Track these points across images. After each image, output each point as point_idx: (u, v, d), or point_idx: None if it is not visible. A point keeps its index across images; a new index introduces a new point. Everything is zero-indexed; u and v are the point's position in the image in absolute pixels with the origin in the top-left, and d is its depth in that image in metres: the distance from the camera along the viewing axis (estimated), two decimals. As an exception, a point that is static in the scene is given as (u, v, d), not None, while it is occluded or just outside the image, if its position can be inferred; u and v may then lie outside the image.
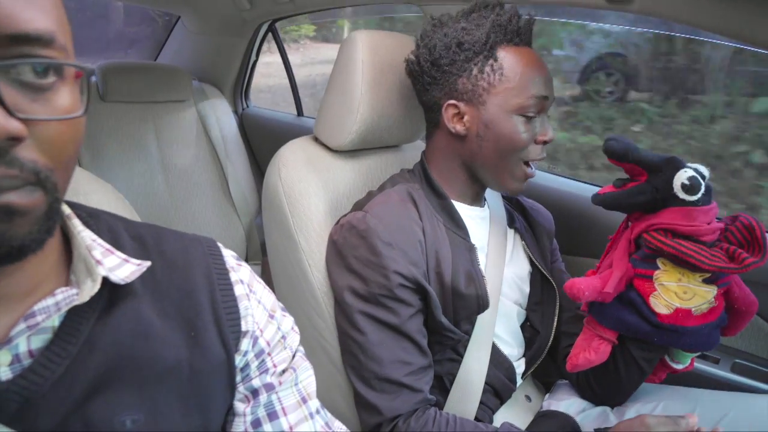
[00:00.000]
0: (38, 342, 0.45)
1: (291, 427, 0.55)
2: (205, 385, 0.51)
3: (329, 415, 0.61)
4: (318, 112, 1.11)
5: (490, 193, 1.03)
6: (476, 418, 0.92)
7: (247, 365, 0.56)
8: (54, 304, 0.46)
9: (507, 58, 0.88)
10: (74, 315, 0.46)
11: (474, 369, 0.92)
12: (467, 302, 0.89)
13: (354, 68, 1.02)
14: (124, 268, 0.49)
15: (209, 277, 0.54)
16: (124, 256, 0.51)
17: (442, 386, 0.93)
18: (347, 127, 1.03)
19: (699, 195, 0.79)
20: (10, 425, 0.43)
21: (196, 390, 0.51)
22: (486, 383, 0.93)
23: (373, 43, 1.03)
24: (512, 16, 0.89)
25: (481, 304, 0.90)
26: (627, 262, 0.86)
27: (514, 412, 1.00)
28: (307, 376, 0.59)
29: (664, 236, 0.81)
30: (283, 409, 0.56)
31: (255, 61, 2.32)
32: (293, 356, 0.59)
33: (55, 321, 0.46)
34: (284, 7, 1.94)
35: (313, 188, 1.01)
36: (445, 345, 0.91)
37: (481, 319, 0.91)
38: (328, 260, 0.94)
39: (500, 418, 0.97)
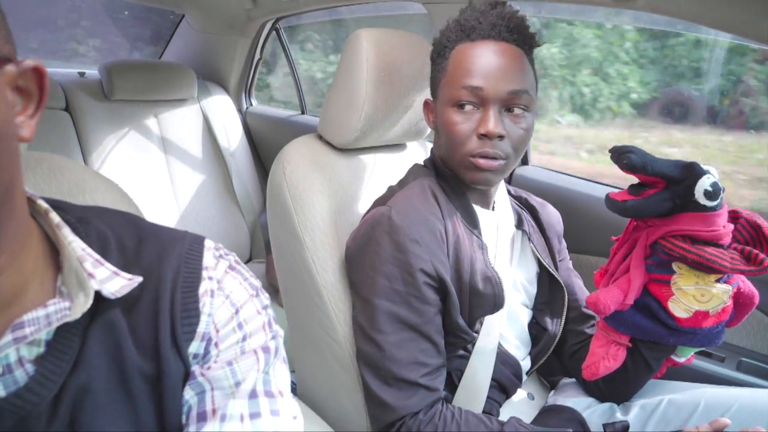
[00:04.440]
0: (27, 351, 0.45)
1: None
2: (171, 394, 0.50)
3: (269, 413, 0.51)
4: (322, 110, 1.11)
5: (499, 197, 1.02)
6: (483, 412, 0.93)
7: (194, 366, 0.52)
8: (44, 317, 0.45)
9: (456, 53, 0.90)
10: (64, 330, 0.46)
11: (481, 367, 0.92)
12: (484, 300, 0.89)
13: (359, 66, 1.01)
14: (114, 282, 0.48)
15: (175, 280, 0.51)
16: (113, 268, 0.49)
17: (450, 381, 0.93)
18: (351, 125, 1.03)
19: (718, 200, 0.79)
20: None
21: (170, 395, 0.50)
22: (492, 379, 0.93)
23: (378, 41, 1.03)
24: (479, 12, 0.90)
25: (497, 303, 0.90)
26: (644, 269, 0.85)
27: (518, 410, 1.00)
28: (246, 374, 0.51)
29: (683, 242, 0.80)
30: (213, 410, 0.50)
31: (259, 60, 2.32)
32: (243, 353, 0.52)
33: (43, 334, 0.45)
34: (288, 5, 1.94)
35: (317, 186, 1.01)
36: (457, 345, 0.91)
37: (489, 319, 0.92)
38: (349, 257, 0.94)
39: (504, 414, 0.97)
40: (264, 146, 2.40)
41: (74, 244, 0.49)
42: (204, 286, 0.52)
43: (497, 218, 0.99)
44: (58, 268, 0.50)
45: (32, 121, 0.45)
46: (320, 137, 1.12)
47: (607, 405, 1.00)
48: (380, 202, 0.95)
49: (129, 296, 0.49)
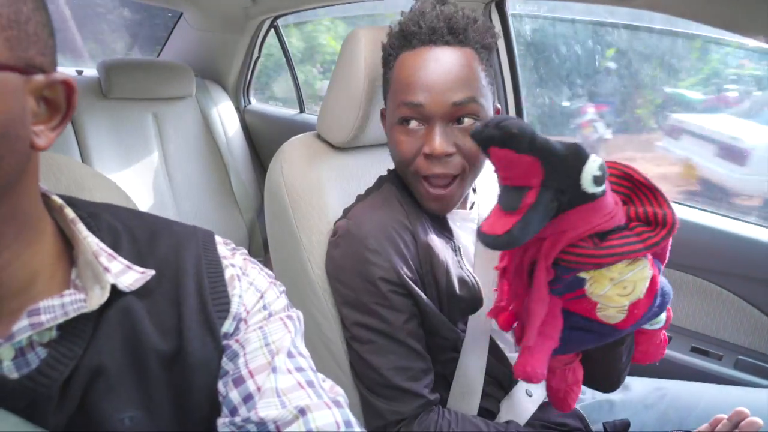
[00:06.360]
0: (38, 335, 0.46)
1: (258, 388, 0.52)
2: (196, 374, 0.52)
3: (309, 369, 0.57)
4: (320, 108, 1.11)
5: (480, 194, 1.01)
6: (482, 408, 0.93)
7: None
8: (60, 306, 0.46)
9: (398, 63, 0.84)
10: (77, 316, 0.47)
11: (472, 366, 0.91)
12: (462, 303, 0.88)
13: (356, 65, 1.01)
14: (128, 275, 0.50)
15: (198, 266, 0.55)
16: (126, 262, 0.51)
17: (444, 381, 0.92)
18: (349, 123, 1.03)
19: (605, 182, 0.63)
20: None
21: (189, 379, 0.51)
22: (488, 375, 0.93)
23: (376, 39, 1.03)
24: (418, 14, 0.82)
25: (475, 305, 0.89)
26: (548, 297, 0.68)
27: (516, 406, 1.00)
28: (280, 336, 0.56)
29: (587, 248, 0.65)
30: (249, 372, 0.53)
31: (257, 58, 2.32)
32: (271, 317, 0.57)
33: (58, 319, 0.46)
34: (286, 3, 1.94)
35: (315, 185, 1.01)
36: (445, 346, 0.90)
37: (474, 318, 0.91)
38: (326, 269, 0.94)
39: (502, 410, 0.97)
40: (262, 144, 2.40)
41: (89, 239, 0.50)
42: (230, 272, 0.57)
43: (476, 216, 0.97)
44: (70, 261, 0.51)
45: (52, 133, 0.45)
46: (318, 136, 1.12)
47: (607, 402, 1.00)
48: (344, 213, 0.94)
49: (147, 285, 0.52)
